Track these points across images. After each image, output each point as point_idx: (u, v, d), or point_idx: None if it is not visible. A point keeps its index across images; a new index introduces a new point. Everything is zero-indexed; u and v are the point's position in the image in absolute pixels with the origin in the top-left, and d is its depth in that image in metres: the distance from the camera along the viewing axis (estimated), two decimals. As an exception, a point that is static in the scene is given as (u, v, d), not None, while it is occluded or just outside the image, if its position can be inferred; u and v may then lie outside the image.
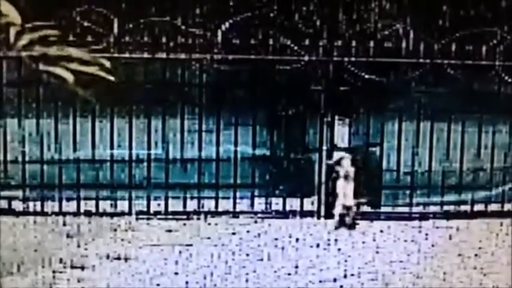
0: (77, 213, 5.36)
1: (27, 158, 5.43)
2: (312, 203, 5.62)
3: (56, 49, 1.83)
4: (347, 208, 5.43)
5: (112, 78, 1.87)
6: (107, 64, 1.88)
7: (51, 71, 1.82)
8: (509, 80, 5.67)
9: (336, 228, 5.38)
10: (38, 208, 5.38)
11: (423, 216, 5.60)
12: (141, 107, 5.44)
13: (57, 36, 1.88)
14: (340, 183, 5.46)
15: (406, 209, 5.70)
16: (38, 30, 1.86)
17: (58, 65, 1.81)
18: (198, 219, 5.45)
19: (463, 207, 5.74)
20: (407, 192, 5.72)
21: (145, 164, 5.51)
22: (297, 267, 4.54)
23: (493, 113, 5.72)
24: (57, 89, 5.07)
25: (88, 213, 5.37)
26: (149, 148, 5.50)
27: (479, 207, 5.76)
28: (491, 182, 5.80)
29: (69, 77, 1.80)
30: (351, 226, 5.42)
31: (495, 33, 5.61)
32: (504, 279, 4.44)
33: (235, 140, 5.57)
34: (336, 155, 5.52)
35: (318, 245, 4.97)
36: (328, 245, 4.99)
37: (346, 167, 5.47)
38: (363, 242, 5.06)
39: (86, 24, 5.24)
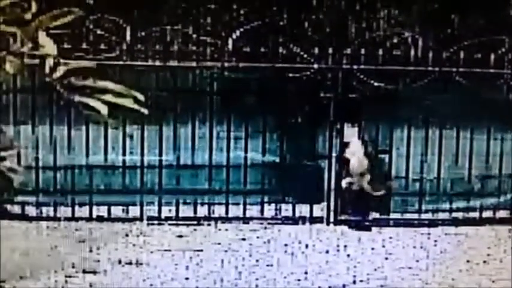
0: (89, 219, 5.40)
1: (40, 164, 5.48)
2: (322, 209, 5.62)
3: (91, 81, 1.86)
4: (350, 184, 5.48)
5: (146, 111, 1.90)
6: (141, 97, 1.90)
7: (85, 102, 1.84)
8: (518, 88, 5.67)
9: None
10: (51, 213, 5.41)
11: (432, 223, 5.60)
12: (152, 113, 5.47)
13: (93, 68, 1.92)
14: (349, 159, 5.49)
15: (415, 216, 5.69)
16: (73, 61, 1.90)
17: (92, 96, 1.84)
18: (209, 225, 5.47)
19: (471, 214, 5.73)
20: (416, 199, 5.72)
21: (156, 170, 5.53)
22: (306, 273, 4.55)
23: (501, 120, 5.72)
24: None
25: (100, 219, 5.40)
26: (161, 154, 5.53)
27: (487, 214, 5.75)
28: (499, 189, 5.79)
29: (104, 109, 1.84)
30: (365, 228, 5.43)
31: (503, 41, 5.61)
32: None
33: (245, 146, 5.60)
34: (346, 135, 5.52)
35: (327, 251, 4.98)
36: (338, 251, 4.99)
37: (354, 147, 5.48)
38: (372, 248, 5.05)
39: (98, 32, 5.29)
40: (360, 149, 5.60)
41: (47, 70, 1.83)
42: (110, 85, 1.86)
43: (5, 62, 1.80)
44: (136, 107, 1.86)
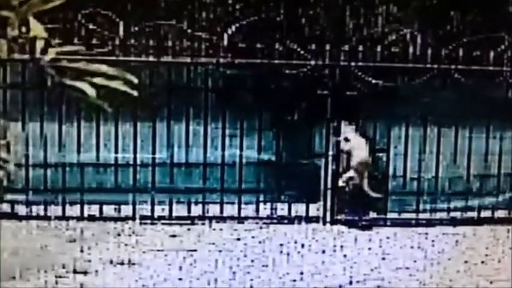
0: (80, 218, 5.33)
1: (30, 162, 5.40)
2: (318, 209, 5.58)
3: (82, 64, 1.86)
4: (349, 179, 5.43)
5: (136, 93, 1.90)
6: (134, 79, 1.90)
7: (75, 85, 1.84)
8: (517, 86, 5.65)
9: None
10: (41, 212, 5.34)
11: (430, 223, 5.57)
12: (145, 110, 5.41)
13: (84, 51, 1.95)
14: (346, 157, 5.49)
15: (412, 216, 5.67)
16: (64, 44, 1.90)
17: (83, 79, 1.84)
18: (203, 224, 5.42)
19: (470, 214, 5.71)
20: (414, 198, 5.69)
21: (149, 168, 5.48)
22: (302, 273, 4.51)
23: (500, 118, 5.71)
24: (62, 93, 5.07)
25: (91, 218, 5.34)
26: (154, 152, 5.47)
27: (486, 213, 5.72)
28: (498, 189, 5.77)
29: (92, 92, 1.84)
30: (366, 227, 5.39)
31: (503, 38, 5.59)
32: (510, 286, 4.41)
33: (240, 144, 5.54)
34: (344, 131, 5.48)
35: (323, 251, 4.95)
36: (334, 251, 4.96)
37: (352, 142, 5.45)
38: (369, 249, 5.02)
39: (91, 26, 5.23)
40: (364, 145, 5.55)
41: (38, 53, 1.83)
42: (101, 67, 1.85)
43: None
44: (127, 89, 1.85)
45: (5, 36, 1.82)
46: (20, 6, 1.82)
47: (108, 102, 1.95)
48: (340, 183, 5.54)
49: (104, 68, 1.86)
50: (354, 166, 5.57)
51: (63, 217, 5.34)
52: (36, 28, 1.82)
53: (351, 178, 5.52)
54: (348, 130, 5.56)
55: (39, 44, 1.84)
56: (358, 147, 5.57)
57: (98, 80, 1.84)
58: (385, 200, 5.64)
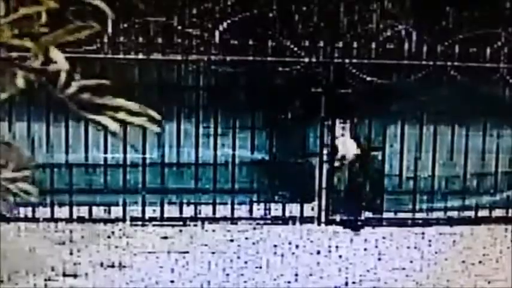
0: (69, 220, 5.28)
1: (18, 162, 5.31)
2: (312, 209, 5.55)
3: (106, 99, 1.85)
4: (342, 158, 5.44)
5: (158, 129, 1.92)
6: (157, 116, 1.89)
7: (97, 120, 1.84)
8: (514, 83, 5.61)
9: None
10: (29, 214, 5.28)
11: (426, 222, 5.55)
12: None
13: (107, 85, 1.90)
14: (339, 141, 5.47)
15: (408, 215, 5.64)
16: (87, 78, 1.89)
17: (105, 114, 1.84)
18: (195, 225, 5.38)
19: (466, 213, 5.69)
20: (410, 197, 5.66)
21: (140, 168, 5.43)
22: (296, 274, 4.50)
23: (497, 116, 5.71)
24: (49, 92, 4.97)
25: (81, 220, 5.28)
26: (144, 152, 5.41)
27: (483, 213, 5.70)
28: (495, 187, 5.75)
29: (116, 128, 1.85)
30: (356, 228, 5.34)
31: (499, 35, 5.57)
32: (508, 286, 4.41)
33: (233, 143, 5.50)
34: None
35: (318, 252, 4.93)
36: (329, 251, 4.95)
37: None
38: (365, 249, 5.01)
39: (78, 23, 5.13)
40: (350, 141, 5.51)
41: (60, 86, 1.83)
42: (123, 102, 1.86)
43: (16, 76, 1.81)
44: (149, 126, 1.88)
45: (24, 68, 1.80)
46: (42, 36, 1.80)
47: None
48: (336, 163, 5.47)
49: (124, 102, 1.85)
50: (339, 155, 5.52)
51: (52, 219, 5.29)
52: (59, 60, 1.80)
53: (343, 157, 5.45)
54: (341, 130, 5.52)
55: (61, 78, 1.81)
56: (344, 145, 5.52)
57: (120, 115, 1.84)
58: (381, 200, 5.61)
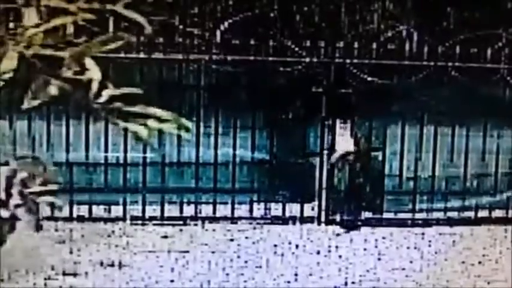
0: (69, 219, 5.25)
1: (18, 161, 5.32)
2: (313, 209, 5.55)
3: (138, 107, 1.92)
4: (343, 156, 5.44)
5: (189, 137, 2.00)
6: (188, 124, 1.97)
7: (128, 127, 1.91)
8: (515, 83, 5.62)
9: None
10: (30, 213, 5.28)
11: (426, 223, 5.55)
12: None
13: (138, 94, 1.97)
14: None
15: (408, 215, 5.64)
16: (118, 87, 1.95)
17: (136, 122, 1.91)
18: (195, 225, 5.37)
19: (466, 214, 5.70)
20: (410, 198, 5.67)
21: (140, 167, 5.42)
22: (296, 274, 4.49)
23: (498, 117, 5.70)
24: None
25: (81, 219, 5.28)
26: (145, 151, 5.40)
27: (483, 213, 5.71)
28: (495, 188, 5.75)
29: (144, 133, 1.92)
30: (353, 227, 5.34)
31: (500, 35, 5.57)
32: (508, 287, 4.43)
33: (233, 143, 5.50)
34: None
35: (318, 252, 4.93)
36: (329, 251, 4.95)
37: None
38: (365, 249, 5.01)
39: (80, 22, 5.13)
40: (348, 139, 5.51)
41: (92, 95, 1.87)
42: (155, 111, 1.91)
43: (50, 85, 1.87)
44: (181, 133, 1.95)
45: (58, 77, 1.87)
46: (77, 46, 1.89)
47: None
48: (333, 160, 5.46)
49: (156, 111, 1.91)
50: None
51: (52, 218, 5.25)
52: (92, 69, 1.86)
53: (342, 156, 5.44)
54: (341, 130, 5.53)
55: (94, 87, 1.87)
56: (342, 143, 5.52)
57: (151, 123, 1.90)
58: (381, 200, 5.62)
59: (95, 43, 1.90)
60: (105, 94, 1.87)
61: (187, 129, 1.95)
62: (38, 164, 2.14)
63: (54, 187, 2.07)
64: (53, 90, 1.85)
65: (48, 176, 2.09)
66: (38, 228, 2.12)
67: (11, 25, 1.89)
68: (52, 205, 2.07)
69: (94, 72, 1.86)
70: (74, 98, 1.89)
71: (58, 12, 1.89)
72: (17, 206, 2.01)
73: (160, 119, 1.90)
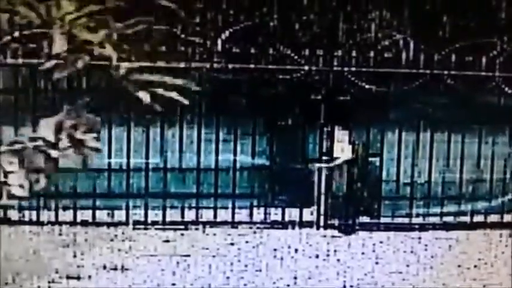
0: (73, 223, 5.31)
1: (23, 166, 5.37)
2: (312, 213, 5.58)
3: (152, 77, 2.27)
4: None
5: (186, 102, 2.32)
6: (195, 87, 2.36)
7: (136, 94, 2.22)
8: (509, 91, 5.66)
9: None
10: (34, 217, 5.31)
11: (423, 227, 5.57)
12: (139, 115, 5.40)
13: (150, 66, 2.31)
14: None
15: (405, 220, 5.67)
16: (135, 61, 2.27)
17: (145, 89, 2.23)
18: (196, 229, 5.40)
19: (462, 218, 5.72)
20: (407, 203, 5.70)
21: (143, 173, 5.45)
22: (295, 278, 4.52)
23: (492, 123, 5.72)
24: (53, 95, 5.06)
25: (84, 223, 5.31)
26: (147, 157, 5.45)
27: (478, 218, 5.73)
28: (491, 193, 5.77)
29: (147, 99, 2.24)
30: (351, 231, 5.40)
31: (495, 44, 5.61)
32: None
33: (234, 149, 5.54)
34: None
35: (317, 256, 4.95)
36: (328, 255, 4.97)
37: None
38: (362, 253, 5.03)
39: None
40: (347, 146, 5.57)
41: (113, 68, 2.25)
42: (163, 78, 2.28)
43: (78, 61, 2.22)
44: (180, 98, 2.29)
45: (86, 53, 2.24)
46: (101, 30, 2.27)
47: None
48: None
49: (169, 79, 2.27)
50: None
51: (56, 222, 5.31)
52: (108, 49, 2.25)
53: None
54: (340, 136, 5.57)
55: (113, 62, 2.24)
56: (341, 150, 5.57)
57: (160, 91, 2.24)
58: (378, 205, 5.65)
59: (119, 26, 2.26)
60: (123, 67, 2.24)
61: (186, 94, 2.24)
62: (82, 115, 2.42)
63: (95, 134, 2.40)
64: (80, 64, 2.17)
65: (89, 125, 2.40)
66: (85, 167, 2.43)
67: (54, 11, 2.18)
68: (96, 149, 2.37)
69: (110, 51, 2.22)
70: (99, 71, 2.23)
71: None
72: (65, 148, 2.32)
73: (166, 86, 2.21)
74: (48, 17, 2.17)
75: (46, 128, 2.40)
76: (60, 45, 2.16)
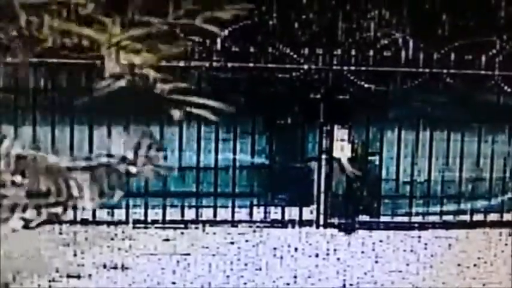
0: (73, 222, 5.26)
1: (23, 166, 5.36)
2: (311, 212, 5.58)
3: (193, 98, 2.45)
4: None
5: (214, 118, 2.53)
6: (221, 106, 2.54)
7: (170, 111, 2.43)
8: (508, 90, 5.67)
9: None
10: (34, 216, 5.32)
11: (422, 226, 5.57)
12: (138, 113, 5.40)
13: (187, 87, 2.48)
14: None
15: (405, 219, 5.66)
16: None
17: (180, 108, 2.43)
18: (196, 228, 5.40)
19: (462, 217, 5.71)
20: (407, 201, 5.70)
21: (142, 172, 5.46)
22: (295, 277, 4.53)
23: (492, 122, 5.72)
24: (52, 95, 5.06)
25: (85, 222, 5.30)
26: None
27: (478, 217, 5.73)
28: (490, 192, 5.77)
29: (177, 116, 2.44)
30: (351, 230, 5.41)
31: (494, 42, 5.61)
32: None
33: (234, 148, 5.54)
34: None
35: (317, 255, 4.95)
36: (327, 254, 4.97)
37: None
38: (362, 252, 5.04)
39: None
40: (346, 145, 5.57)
41: (150, 85, 2.44)
42: (198, 99, 2.46)
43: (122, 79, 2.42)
44: (211, 117, 2.51)
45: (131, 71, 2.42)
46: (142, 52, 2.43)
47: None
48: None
49: (195, 99, 2.43)
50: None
51: (57, 221, 5.31)
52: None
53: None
54: (339, 135, 5.58)
55: (151, 78, 2.43)
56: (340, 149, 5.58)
57: (190, 109, 2.42)
58: (378, 203, 5.65)
59: (163, 48, 2.46)
60: (159, 87, 2.41)
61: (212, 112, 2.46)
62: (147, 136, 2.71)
63: (163, 153, 2.70)
64: (122, 83, 2.35)
65: (158, 145, 2.70)
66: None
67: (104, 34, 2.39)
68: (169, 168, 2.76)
69: (151, 72, 2.39)
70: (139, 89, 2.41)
71: (137, 24, 2.39)
72: (143, 164, 2.61)
73: (196, 105, 2.42)
74: (99, 39, 2.40)
75: (125, 147, 2.63)
76: (111, 67, 2.39)
